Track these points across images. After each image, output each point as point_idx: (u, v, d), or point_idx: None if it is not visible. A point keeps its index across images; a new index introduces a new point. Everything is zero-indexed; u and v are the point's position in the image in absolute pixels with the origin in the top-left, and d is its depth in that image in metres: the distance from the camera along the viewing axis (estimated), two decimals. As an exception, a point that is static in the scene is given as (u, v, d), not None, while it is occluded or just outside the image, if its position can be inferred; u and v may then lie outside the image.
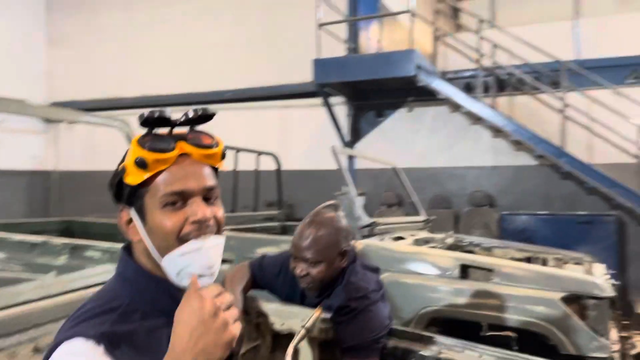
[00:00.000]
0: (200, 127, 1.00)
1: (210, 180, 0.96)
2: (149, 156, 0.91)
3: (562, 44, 7.13)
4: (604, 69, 6.88)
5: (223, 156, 1.00)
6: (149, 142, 0.93)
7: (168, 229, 0.91)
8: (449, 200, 7.80)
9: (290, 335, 1.79)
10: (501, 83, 7.62)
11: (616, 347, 2.69)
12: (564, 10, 7.43)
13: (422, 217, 4.46)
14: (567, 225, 6.62)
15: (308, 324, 1.26)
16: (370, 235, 3.35)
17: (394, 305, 2.99)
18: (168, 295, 0.95)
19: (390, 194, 8.02)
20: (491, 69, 7.36)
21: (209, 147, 0.97)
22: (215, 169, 0.99)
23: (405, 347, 1.60)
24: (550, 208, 7.12)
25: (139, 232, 0.95)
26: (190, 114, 0.97)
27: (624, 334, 3.05)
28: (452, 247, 4.17)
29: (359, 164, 8.47)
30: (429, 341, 1.59)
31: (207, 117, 0.98)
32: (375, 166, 7.12)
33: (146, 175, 0.92)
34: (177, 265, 0.92)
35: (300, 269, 1.80)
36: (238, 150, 4.48)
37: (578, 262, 3.78)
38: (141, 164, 0.91)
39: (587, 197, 6.94)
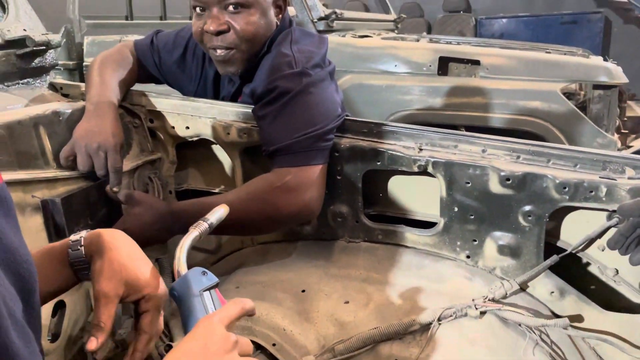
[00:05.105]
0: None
1: None
2: None
3: None
4: None
5: None
6: None
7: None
8: (420, 7, 6.97)
9: (199, 144, 1.25)
10: None
11: (618, 144, 2.29)
12: None
13: (391, 16, 3.75)
14: (549, 27, 6.00)
15: (212, 220, 0.71)
16: (328, 30, 2.69)
17: (356, 114, 2.47)
18: None
19: None
20: None
21: None
22: None
23: (367, 145, 1.07)
24: (531, 9, 6.41)
25: None
26: None
27: (623, 130, 2.65)
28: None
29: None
30: (402, 134, 1.06)
31: None
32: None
33: None
34: None
35: (216, 22, 1.10)
36: None
37: (571, 53, 3.26)
38: None
39: (572, -7, 6.23)
